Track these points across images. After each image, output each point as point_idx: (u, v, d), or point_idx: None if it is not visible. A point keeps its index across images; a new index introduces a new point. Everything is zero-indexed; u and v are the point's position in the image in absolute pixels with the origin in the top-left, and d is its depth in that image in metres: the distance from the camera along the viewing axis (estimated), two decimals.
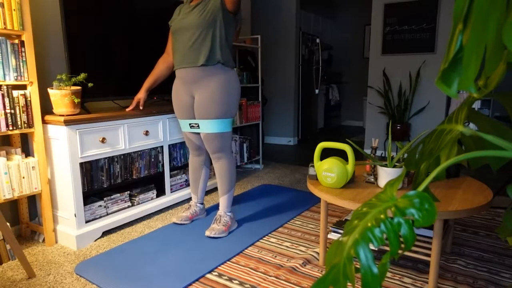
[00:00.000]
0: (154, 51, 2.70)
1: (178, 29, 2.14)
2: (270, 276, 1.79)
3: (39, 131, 2.06)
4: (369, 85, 4.61)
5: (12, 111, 1.94)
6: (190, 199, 2.96)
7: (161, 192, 2.71)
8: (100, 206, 2.29)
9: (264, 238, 2.21)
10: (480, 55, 0.55)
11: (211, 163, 2.53)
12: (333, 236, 1.91)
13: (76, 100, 2.06)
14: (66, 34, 2.15)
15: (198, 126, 2.21)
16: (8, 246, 1.92)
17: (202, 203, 2.55)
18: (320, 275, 1.80)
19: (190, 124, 2.25)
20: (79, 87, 2.11)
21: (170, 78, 2.78)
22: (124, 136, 2.34)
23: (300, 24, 5.41)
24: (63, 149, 2.06)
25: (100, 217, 2.28)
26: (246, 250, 2.06)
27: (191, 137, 2.35)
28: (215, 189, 3.21)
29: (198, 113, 2.17)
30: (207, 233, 2.21)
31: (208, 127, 2.16)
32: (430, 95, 4.26)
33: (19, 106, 1.96)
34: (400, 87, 4.35)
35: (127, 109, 2.36)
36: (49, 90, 2.03)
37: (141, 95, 2.41)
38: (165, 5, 2.74)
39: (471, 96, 0.75)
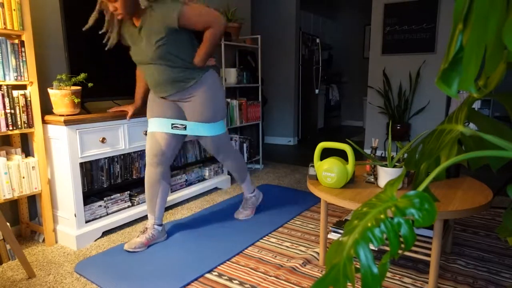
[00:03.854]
0: None
1: (135, 60, 2.02)
2: (270, 276, 1.79)
3: (39, 131, 2.06)
4: (369, 85, 4.61)
5: (12, 111, 1.94)
6: (190, 199, 2.96)
7: None
8: (100, 206, 2.29)
9: (264, 238, 2.21)
10: (480, 55, 0.55)
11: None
12: (333, 236, 1.91)
13: (76, 100, 2.06)
14: (66, 34, 2.15)
15: (184, 128, 2.13)
16: (8, 246, 1.92)
17: (160, 224, 2.18)
18: (320, 275, 1.80)
19: (173, 124, 2.12)
20: (79, 87, 2.11)
21: None
22: (124, 136, 2.34)
23: (300, 24, 5.41)
24: (63, 149, 2.07)
25: (100, 217, 2.28)
26: (246, 250, 2.06)
27: (160, 140, 2.11)
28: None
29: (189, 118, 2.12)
30: (238, 216, 2.52)
31: (202, 130, 2.13)
32: (430, 95, 4.26)
33: (19, 106, 1.96)
34: (400, 87, 4.35)
35: (127, 117, 2.32)
36: (49, 90, 2.03)
37: (130, 106, 2.33)
38: None
39: (471, 96, 0.75)
